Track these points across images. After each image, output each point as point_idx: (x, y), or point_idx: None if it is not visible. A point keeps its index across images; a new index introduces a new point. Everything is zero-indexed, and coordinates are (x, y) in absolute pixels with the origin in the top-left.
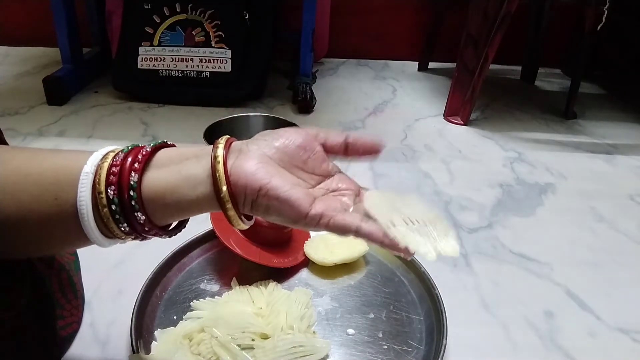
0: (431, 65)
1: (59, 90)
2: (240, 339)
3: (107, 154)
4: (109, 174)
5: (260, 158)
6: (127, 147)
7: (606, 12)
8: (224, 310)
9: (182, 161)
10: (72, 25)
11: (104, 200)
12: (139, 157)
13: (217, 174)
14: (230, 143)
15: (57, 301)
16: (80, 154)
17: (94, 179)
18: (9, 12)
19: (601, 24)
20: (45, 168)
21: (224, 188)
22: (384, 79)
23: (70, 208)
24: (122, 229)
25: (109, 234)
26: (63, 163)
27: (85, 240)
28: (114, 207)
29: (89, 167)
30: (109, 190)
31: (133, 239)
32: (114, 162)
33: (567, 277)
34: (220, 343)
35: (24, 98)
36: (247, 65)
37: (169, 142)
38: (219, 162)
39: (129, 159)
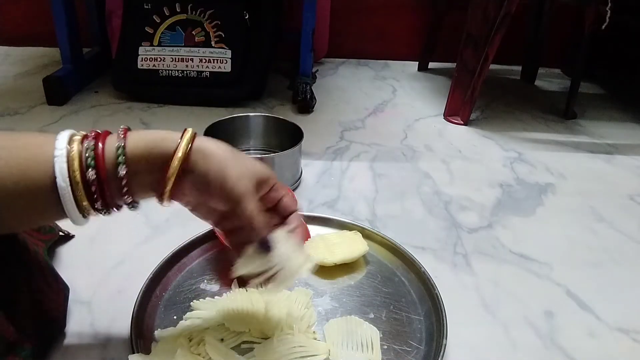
0: (431, 65)
1: (59, 90)
2: (240, 339)
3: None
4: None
5: None
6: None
7: (609, 11)
8: (224, 310)
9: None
10: (72, 25)
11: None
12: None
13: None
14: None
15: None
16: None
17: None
18: (9, 12)
19: (605, 24)
20: (19, 144)
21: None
22: (384, 79)
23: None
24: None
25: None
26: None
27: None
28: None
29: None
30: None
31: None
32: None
33: (567, 277)
34: (217, 344)
35: (24, 98)
36: (247, 65)
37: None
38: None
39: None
